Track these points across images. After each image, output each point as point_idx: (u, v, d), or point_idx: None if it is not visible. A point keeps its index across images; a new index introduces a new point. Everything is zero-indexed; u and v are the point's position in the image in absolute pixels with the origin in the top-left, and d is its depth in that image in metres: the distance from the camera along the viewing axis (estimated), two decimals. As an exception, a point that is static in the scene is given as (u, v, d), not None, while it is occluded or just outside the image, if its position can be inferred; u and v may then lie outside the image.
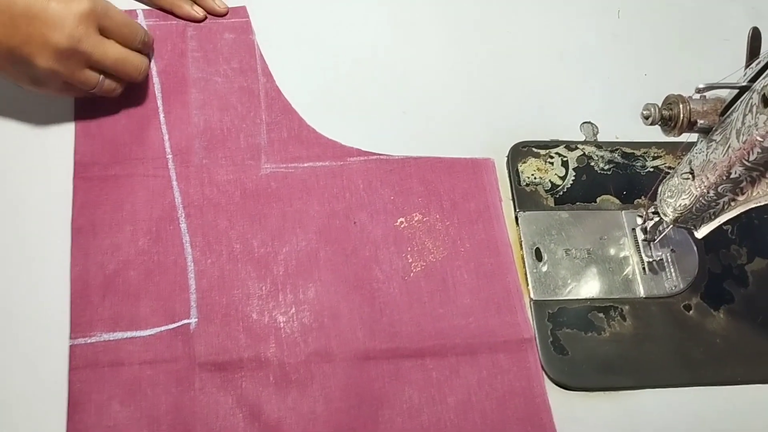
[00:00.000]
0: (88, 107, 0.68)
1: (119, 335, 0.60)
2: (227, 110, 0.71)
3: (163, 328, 0.61)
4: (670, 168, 0.73)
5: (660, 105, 0.58)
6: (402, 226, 0.68)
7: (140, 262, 0.63)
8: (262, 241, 0.65)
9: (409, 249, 0.67)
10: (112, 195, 0.65)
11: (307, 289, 0.64)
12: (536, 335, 0.65)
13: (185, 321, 0.61)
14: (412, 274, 0.66)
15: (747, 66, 0.55)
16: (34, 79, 0.63)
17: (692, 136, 0.59)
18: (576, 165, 0.73)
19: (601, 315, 0.67)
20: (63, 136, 0.67)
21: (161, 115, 0.69)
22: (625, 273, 0.69)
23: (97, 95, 0.66)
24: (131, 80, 0.68)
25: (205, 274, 0.63)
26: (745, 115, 0.52)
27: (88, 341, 0.60)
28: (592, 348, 0.65)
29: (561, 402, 0.63)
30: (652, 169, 0.74)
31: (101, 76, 0.65)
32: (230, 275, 0.64)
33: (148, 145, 0.68)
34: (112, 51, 0.64)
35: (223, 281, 0.63)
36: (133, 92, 0.70)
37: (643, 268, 0.69)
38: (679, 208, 0.60)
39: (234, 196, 0.67)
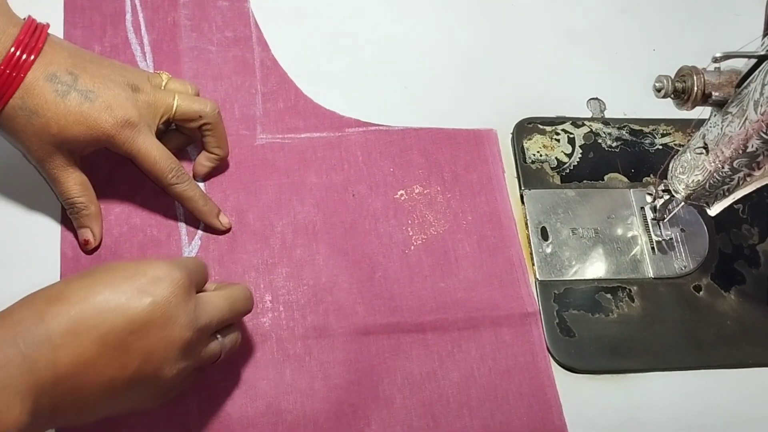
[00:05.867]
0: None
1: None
2: (221, 80, 0.68)
3: (156, 304, 0.59)
4: (679, 145, 0.72)
5: (673, 77, 0.56)
6: (402, 198, 0.66)
7: (133, 236, 0.61)
8: (258, 214, 0.63)
9: (409, 222, 0.65)
10: (104, 167, 0.62)
11: (305, 263, 0.62)
12: (542, 316, 0.63)
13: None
14: (412, 248, 0.64)
15: (765, 35, 0.53)
16: (159, 394, 0.49)
17: (704, 113, 0.58)
18: (583, 142, 0.71)
19: (608, 296, 0.65)
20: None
21: (153, 85, 0.67)
22: (633, 253, 0.67)
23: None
24: (248, 313, 0.55)
25: (199, 249, 0.61)
26: (763, 86, 0.50)
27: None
28: (600, 330, 0.63)
29: (568, 385, 0.61)
30: (661, 147, 0.72)
31: (219, 338, 0.52)
32: (225, 249, 0.61)
33: (140, 115, 0.65)
34: (219, 301, 0.51)
35: (218, 255, 0.61)
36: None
37: (652, 248, 0.67)
38: (691, 185, 0.59)
39: (228, 167, 0.65)
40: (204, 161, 0.63)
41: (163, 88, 0.61)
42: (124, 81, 0.57)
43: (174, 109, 0.59)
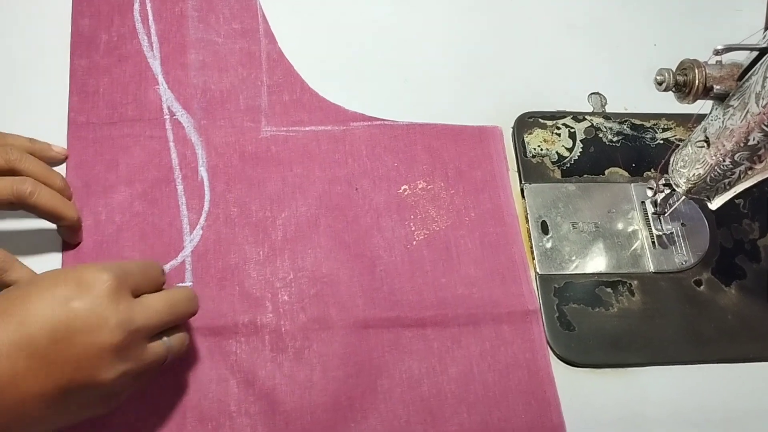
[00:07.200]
0: (85, 65, 0.67)
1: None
2: (227, 72, 0.69)
3: (156, 291, 0.59)
4: (680, 140, 0.72)
5: (674, 70, 0.56)
6: (405, 193, 0.66)
7: (135, 224, 0.61)
8: (261, 206, 0.63)
9: (412, 217, 0.65)
10: (107, 155, 0.63)
11: (306, 256, 0.62)
12: (542, 310, 0.63)
13: (179, 285, 0.59)
14: (414, 243, 0.64)
15: (766, 28, 0.53)
16: (103, 399, 0.48)
17: (705, 107, 0.57)
18: (584, 136, 0.71)
19: (608, 290, 0.65)
20: (57, 94, 0.65)
21: (159, 76, 0.67)
22: (633, 247, 0.67)
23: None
24: (192, 316, 0.55)
25: (201, 238, 0.62)
26: (765, 78, 0.50)
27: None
28: (600, 324, 0.63)
29: (567, 379, 0.61)
30: (662, 141, 0.72)
31: (164, 339, 0.51)
32: (227, 239, 0.62)
33: (145, 105, 0.66)
34: (157, 303, 0.50)
35: (220, 245, 0.61)
36: (130, 53, 0.68)
37: (653, 243, 0.67)
38: (692, 179, 0.59)
39: (232, 158, 0.65)
40: None
41: None
42: None
43: None
